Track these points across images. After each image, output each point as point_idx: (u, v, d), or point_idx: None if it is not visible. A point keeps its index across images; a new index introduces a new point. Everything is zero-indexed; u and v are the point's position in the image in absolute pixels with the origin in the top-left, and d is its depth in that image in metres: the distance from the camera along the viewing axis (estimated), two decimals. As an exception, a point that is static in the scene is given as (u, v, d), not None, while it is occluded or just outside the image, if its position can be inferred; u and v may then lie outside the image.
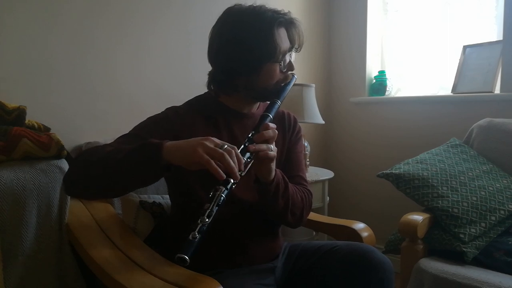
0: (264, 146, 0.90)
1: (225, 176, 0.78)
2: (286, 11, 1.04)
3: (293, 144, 1.17)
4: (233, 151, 0.80)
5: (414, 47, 2.28)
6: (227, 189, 0.80)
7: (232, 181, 0.81)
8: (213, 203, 0.78)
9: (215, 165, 0.76)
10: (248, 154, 0.88)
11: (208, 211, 0.77)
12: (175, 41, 1.73)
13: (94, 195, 0.99)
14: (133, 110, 1.57)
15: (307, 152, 2.03)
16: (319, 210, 1.98)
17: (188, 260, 0.72)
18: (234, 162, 0.79)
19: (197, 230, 0.75)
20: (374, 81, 2.38)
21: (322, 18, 2.49)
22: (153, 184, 1.38)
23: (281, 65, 1.03)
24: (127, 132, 1.01)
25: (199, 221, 0.76)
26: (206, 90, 1.13)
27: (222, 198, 0.79)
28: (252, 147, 0.88)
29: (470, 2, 2.05)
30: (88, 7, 1.47)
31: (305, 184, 1.13)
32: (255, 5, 1.02)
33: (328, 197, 2.04)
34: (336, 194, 2.41)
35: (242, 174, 0.83)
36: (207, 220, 0.76)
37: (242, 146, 0.89)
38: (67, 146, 1.21)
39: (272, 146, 0.92)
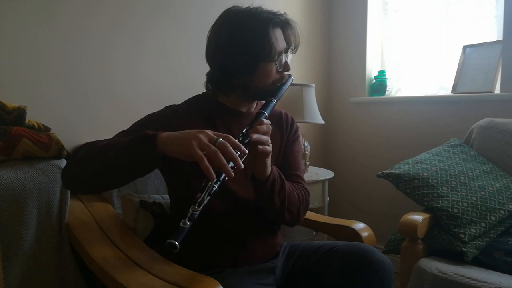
0: (264, 137, 0.91)
1: (215, 177, 0.79)
2: (282, 12, 1.05)
3: (291, 143, 1.18)
4: (227, 143, 0.80)
5: (414, 47, 2.28)
6: (219, 180, 0.81)
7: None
8: (204, 192, 0.79)
9: (207, 164, 0.77)
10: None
11: (199, 200, 0.78)
12: (174, 41, 1.73)
13: (93, 188, 0.98)
14: (133, 110, 1.56)
15: (307, 152, 2.03)
16: (319, 210, 1.98)
17: (178, 246, 0.72)
18: (230, 154, 0.79)
19: (187, 217, 0.75)
20: (374, 81, 2.38)
21: (322, 18, 2.49)
22: (153, 184, 1.40)
23: (277, 65, 1.04)
24: (127, 130, 1.02)
25: (190, 209, 0.77)
26: (204, 90, 1.13)
27: (214, 188, 0.80)
28: (253, 135, 0.89)
29: (470, 2, 2.05)
30: (88, 7, 1.47)
31: (302, 183, 1.14)
32: (252, 7, 1.04)
33: (328, 197, 2.04)
34: (336, 194, 2.41)
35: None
36: (197, 208, 0.77)
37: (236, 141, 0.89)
38: (67, 146, 1.21)
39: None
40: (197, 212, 0.77)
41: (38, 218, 1.09)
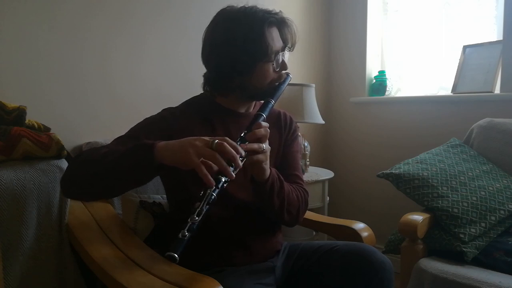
0: (255, 145, 0.90)
1: (214, 183, 0.79)
2: (277, 11, 1.05)
3: (289, 143, 1.18)
4: (224, 142, 0.80)
5: (414, 47, 2.28)
6: (218, 187, 0.81)
7: (223, 179, 0.81)
8: (203, 201, 0.79)
9: (205, 171, 0.77)
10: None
11: (198, 209, 0.78)
12: (174, 41, 1.73)
13: (91, 196, 0.99)
14: (132, 110, 1.57)
15: (307, 152, 2.03)
16: (319, 210, 1.98)
17: (178, 258, 0.72)
18: (229, 153, 0.79)
19: (186, 228, 0.76)
20: (374, 81, 2.38)
21: (322, 18, 2.49)
22: (153, 184, 1.40)
23: (274, 64, 1.03)
24: (126, 131, 1.02)
25: (189, 220, 0.77)
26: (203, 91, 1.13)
27: (213, 196, 0.80)
28: (244, 146, 0.89)
29: (470, 2, 2.05)
30: (88, 7, 1.47)
31: (301, 183, 1.14)
32: (246, 6, 1.03)
33: (328, 197, 2.04)
34: (336, 194, 2.41)
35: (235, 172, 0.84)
36: (196, 218, 0.77)
37: (233, 142, 0.89)
38: (67, 146, 1.21)
39: (265, 146, 0.92)
40: (196, 223, 0.77)
41: (38, 218, 1.09)
